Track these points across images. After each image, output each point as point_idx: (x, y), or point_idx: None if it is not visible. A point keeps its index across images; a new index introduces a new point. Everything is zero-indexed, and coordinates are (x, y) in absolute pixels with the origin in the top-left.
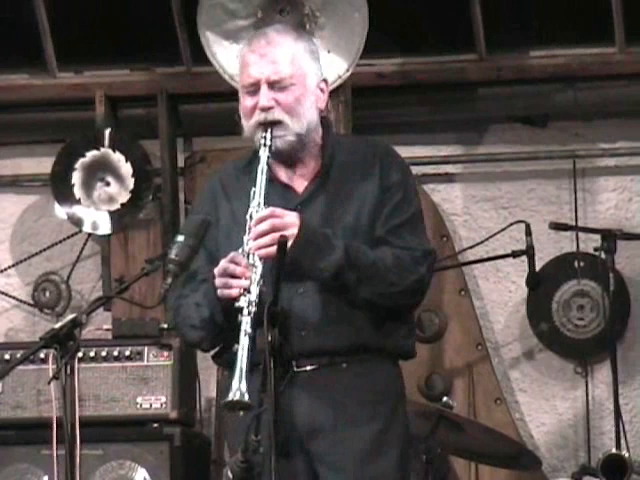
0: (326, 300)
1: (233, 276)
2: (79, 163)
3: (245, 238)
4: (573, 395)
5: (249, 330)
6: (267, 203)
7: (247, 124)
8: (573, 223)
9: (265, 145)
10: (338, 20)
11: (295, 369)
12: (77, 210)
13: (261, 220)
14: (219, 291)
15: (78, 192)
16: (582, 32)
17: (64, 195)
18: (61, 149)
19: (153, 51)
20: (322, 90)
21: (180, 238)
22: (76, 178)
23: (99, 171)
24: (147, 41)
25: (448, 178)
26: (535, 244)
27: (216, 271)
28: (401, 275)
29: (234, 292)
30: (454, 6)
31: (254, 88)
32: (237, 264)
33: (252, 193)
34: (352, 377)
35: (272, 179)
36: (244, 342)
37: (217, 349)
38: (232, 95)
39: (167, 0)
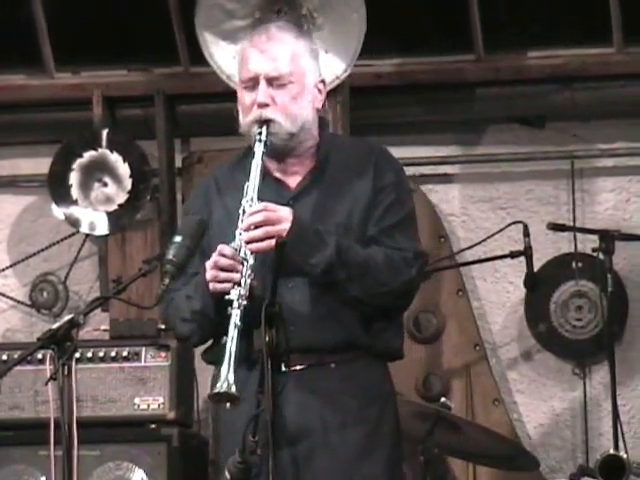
0: (315, 296)
1: (223, 269)
2: (77, 164)
3: (237, 232)
4: (571, 396)
5: (238, 322)
6: (260, 198)
7: (244, 120)
8: (571, 224)
9: (260, 141)
10: (336, 21)
11: (284, 369)
12: (75, 211)
13: (253, 214)
14: (210, 285)
15: (76, 193)
16: (580, 33)
17: (62, 196)
18: (59, 149)
19: (150, 52)
20: (320, 90)
21: (177, 239)
22: (74, 179)
23: (96, 172)
24: (145, 41)
25: (446, 178)
26: (533, 245)
27: (207, 264)
28: (391, 275)
29: (224, 286)
30: (452, 7)
31: (252, 83)
32: (228, 257)
33: (245, 188)
34: (341, 378)
35: (265, 174)
36: (233, 334)
37: (207, 345)
38: (229, 95)
39: (165, 1)
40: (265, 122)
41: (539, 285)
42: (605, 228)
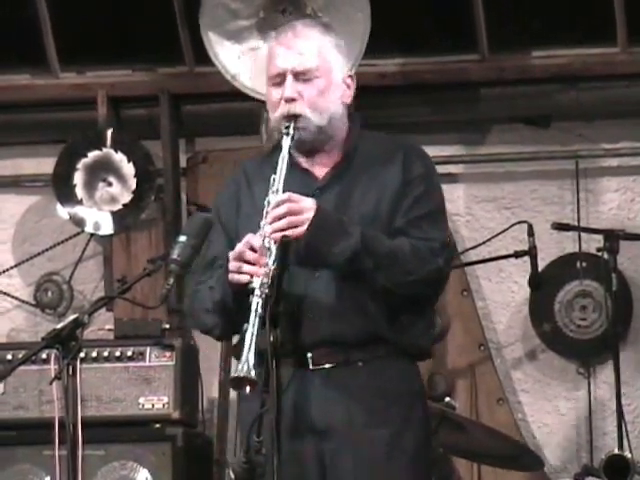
0: (342, 287)
1: (248, 262)
2: (81, 163)
3: (262, 222)
4: (575, 396)
5: (260, 310)
6: (287, 188)
7: (273, 116)
8: (575, 223)
9: (287, 135)
10: (340, 20)
11: (311, 367)
12: (79, 210)
13: (278, 204)
14: (230, 275)
15: (80, 192)
16: (584, 32)
17: (66, 195)
18: (63, 149)
19: (155, 51)
20: (348, 85)
21: (182, 238)
22: (78, 178)
23: (101, 171)
24: (149, 41)
25: (451, 178)
26: (538, 244)
27: (231, 255)
28: (418, 264)
29: (243, 278)
30: (456, 6)
31: (280, 79)
32: (253, 248)
33: (272, 180)
34: (368, 378)
35: (293, 165)
36: (254, 321)
37: (236, 340)
38: (234, 95)
39: (169, 0)
40: (293, 117)
41: (544, 285)
42: (609, 228)
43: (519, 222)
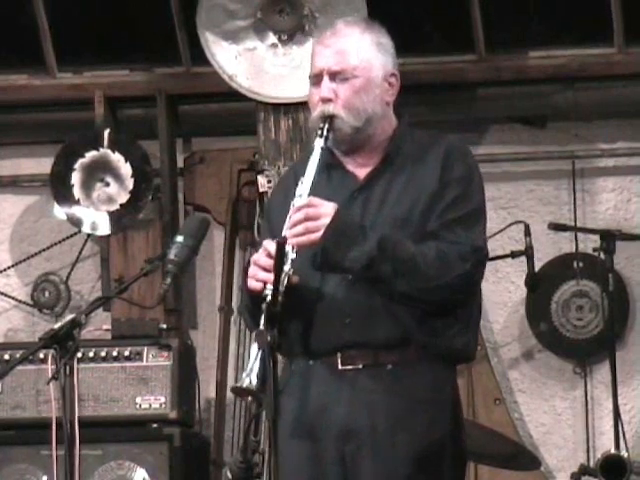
0: (372, 290)
1: (264, 268)
2: (78, 163)
3: (284, 227)
4: (572, 395)
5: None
6: (326, 189)
7: (312, 116)
8: (572, 224)
9: (321, 136)
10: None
11: (340, 367)
12: (76, 210)
13: (298, 209)
14: (248, 281)
15: (77, 192)
16: (581, 33)
17: (63, 195)
18: (60, 149)
19: (152, 51)
20: (390, 84)
21: (179, 238)
22: (75, 178)
23: (98, 171)
24: (146, 41)
25: None
26: (534, 244)
27: (251, 259)
28: (442, 270)
29: (258, 285)
30: (453, 6)
31: (318, 79)
32: (270, 255)
33: (299, 182)
34: (395, 381)
35: (337, 166)
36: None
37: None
38: (231, 95)
39: (166, 0)
40: (328, 117)
41: (540, 285)
42: (606, 228)
43: (516, 222)
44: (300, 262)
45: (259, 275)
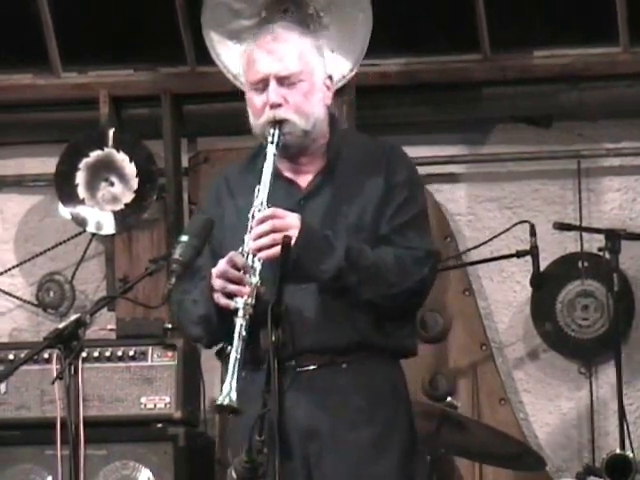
0: (327, 298)
1: (232, 281)
2: (83, 163)
3: (246, 238)
4: (577, 395)
5: (244, 333)
6: (271, 198)
7: (256, 122)
8: (577, 223)
9: (272, 142)
10: (342, 20)
11: (297, 370)
12: (81, 210)
13: (262, 221)
14: (215, 295)
15: (82, 192)
16: (586, 32)
17: (68, 195)
18: (65, 149)
19: (157, 51)
20: (327, 87)
21: (184, 238)
22: (80, 178)
23: (103, 171)
24: (151, 41)
25: (452, 178)
26: (539, 244)
27: (215, 272)
28: (402, 276)
29: (228, 302)
30: (458, 6)
31: (262, 85)
32: (236, 266)
33: (256, 191)
34: (352, 378)
35: (277, 175)
36: (237, 345)
37: (220, 346)
38: (236, 95)
39: (171, 0)
40: (279, 122)
41: (545, 284)
42: (611, 227)
43: (521, 222)
44: (261, 271)
45: (229, 287)
